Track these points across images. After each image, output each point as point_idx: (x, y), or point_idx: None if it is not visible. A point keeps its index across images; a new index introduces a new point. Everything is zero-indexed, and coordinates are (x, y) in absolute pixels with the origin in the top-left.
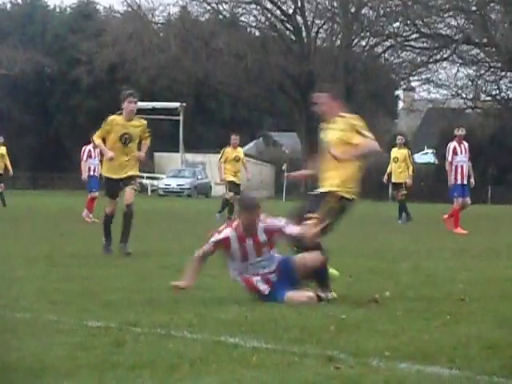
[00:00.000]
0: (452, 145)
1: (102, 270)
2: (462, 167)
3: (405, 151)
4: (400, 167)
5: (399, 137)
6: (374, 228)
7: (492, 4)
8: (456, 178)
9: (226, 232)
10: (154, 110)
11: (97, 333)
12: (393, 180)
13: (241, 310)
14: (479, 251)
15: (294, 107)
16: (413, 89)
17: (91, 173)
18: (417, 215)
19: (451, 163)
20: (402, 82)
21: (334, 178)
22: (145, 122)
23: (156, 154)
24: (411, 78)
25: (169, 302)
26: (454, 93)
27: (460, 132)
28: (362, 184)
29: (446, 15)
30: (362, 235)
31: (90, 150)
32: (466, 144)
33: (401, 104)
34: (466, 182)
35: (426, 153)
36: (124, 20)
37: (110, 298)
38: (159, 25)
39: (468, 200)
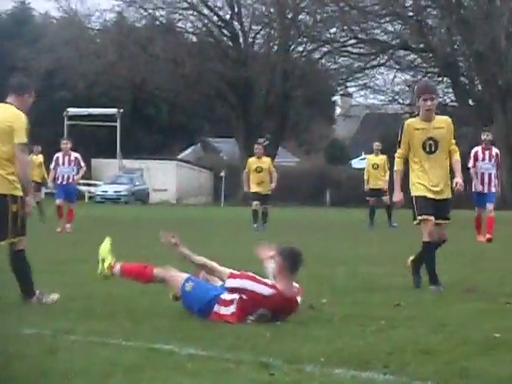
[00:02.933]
0: (474, 150)
1: (39, 277)
2: (482, 174)
3: (384, 157)
4: (380, 173)
5: (376, 143)
6: (316, 234)
7: (428, 9)
8: (476, 186)
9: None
10: (90, 116)
11: (30, 340)
12: (371, 186)
13: (176, 318)
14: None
15: (231, 113)
16: (350, 94)
17: (58, 181)
18: (354, 221)
19: (474, 169)
20: (339, 88)
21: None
22: None
23: (93, 161)
24: (348, 84)
25: (105, 309)
26: (391, 98)
27: (486, 137)
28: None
29: (382, 21)
30: (303, 241)
31: (57, 158)
32: (495, 150)
33: (338, 110)
34: (486, 190)
35: (364, 158)
36: (60, 26)
37: (44, 305)
38: (96, 31)
39: (488, 208)
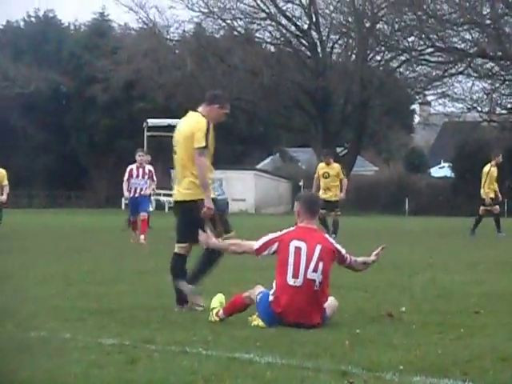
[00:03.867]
0: None
1: (118, 288)
2: None
3: (337, 166)
4: (334, 182)
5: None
6: (390, 241)
7: (506, 17)
8: None
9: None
10: (170, 127)
11: (111, 350)
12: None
13: (256, 327)
14: (494, 264)
15: (310, 122)
16: (428, 103)
17: (131, 194)
18: (433, 229)
19: None
20: (417, 96)
21: None
22: None
23: (173, 171)
24: (426, 92)
25: (184, 319)
26: (469, 106)
27: None
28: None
29: (460, 29)
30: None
31: (131, 169)
32: None
33: (417, 118)
34: None
35: (443, 167)
36: (139, 37)
37: (126, 315)
38: (174, 42)
39: None
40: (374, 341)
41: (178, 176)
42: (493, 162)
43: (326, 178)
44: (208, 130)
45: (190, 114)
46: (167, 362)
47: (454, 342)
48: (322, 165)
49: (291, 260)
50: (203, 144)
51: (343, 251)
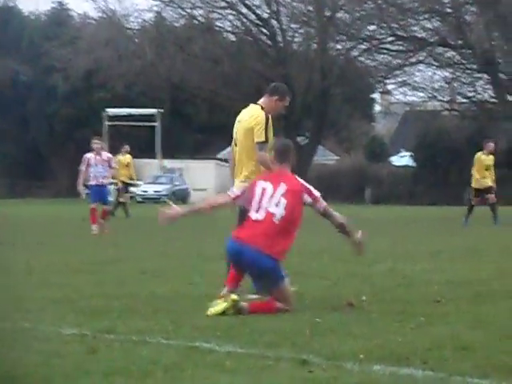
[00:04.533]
0: None
1: (80, 277)
2: None
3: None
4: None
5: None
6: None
7: (467, 6)
8: None
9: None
10: (130, 117)
11: (71, 340)
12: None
13: (217, 316)
14: (455, 253)
15: None
16: (389, 92)
17: (93, 181)
18: (394, 218)
19: None
20: (378, 85)
21: None
22: None
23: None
24: (387, 81)
25: (145, 308)
26: (430, 95)
27: None
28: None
29: (421, 18)
30: (341, 238)
31: (89, 158)
32: None
33: (377, 107)
34: None
35: (404, 155)
36: (98, 26)
37: (86, 304)
38: (134, 31)
39: None
40: (334, 330)
41: (237, 167)
42: (484, 151)
43: None
44: (267, 123)
45: (251, 106)
46: (127, 351)
47: (415, 330)
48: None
49: (256, 198)
50: (263, 138)
51: (315, 192)
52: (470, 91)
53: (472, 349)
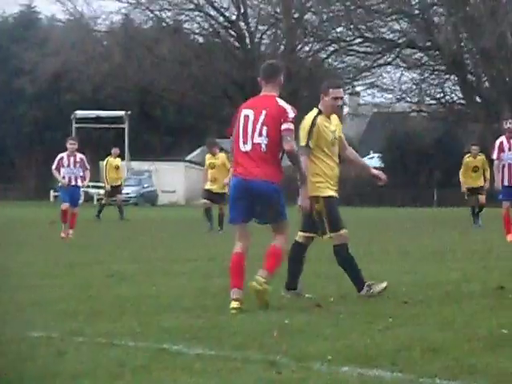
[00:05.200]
0: (499, 140)
1: (47, 280)
2: (509, 166)
3: (223, 156)
4: (220, 172)
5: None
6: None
7: (435, 7)
8: (502, 179)
9: None
10: (98, 119)
11: (38, 343)
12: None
13: (185, 318)
14: (424, 254)
15: None
16: (357, 93)
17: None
18: (363, 219)
19: (499, 161)
20: (346, 87)
21: None
22: None
23: (101, 163)
24: (355, 83)
25: (113, 310)
26: (398, 97)
27: (509, 125)
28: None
29: (389, 19)
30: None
31: (62, 158)
32: None
33: (346, 109)
34: None
35: (372, 157)
36: (67, 29)
37: (53, 307)
38: (102, 33)
39: None
40: (302, 331)
41: None
42: (470, 154)
43: (213, 168)
44: (312, 126)
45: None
46: (95, 354)
47: (383, 331)
48: (208, 155)
49: (241, 127)
50: (303, 143)
51: (291, 115)
52: (438, 92)
53: (441, 350)
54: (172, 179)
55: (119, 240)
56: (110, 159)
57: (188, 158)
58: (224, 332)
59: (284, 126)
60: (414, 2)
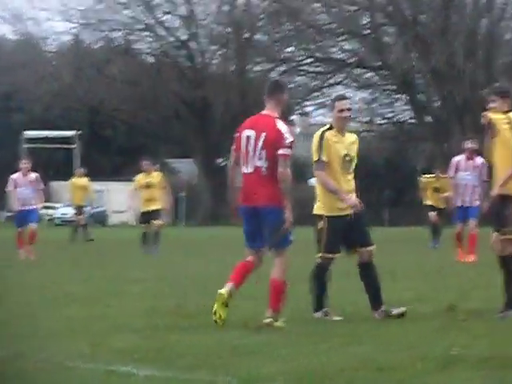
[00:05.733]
0: (457, 159)
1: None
2: (464, 186)
3: (159, 175)
4: (157, 191)
5: (145, 162)
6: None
7: (385, 27)
8: (456, 199)
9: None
10: (48, 139)
11: None
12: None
13: (135, 338)
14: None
15: (189, 133)
16: (308, 113)
17: (18, 206)
18: (312, 238)
19: (454, 180)
20: (296, 107)
21: None
22: None
23: (52, 184)
24: (306, 103)
25: (62, 331)
26: None
27: (469, 145)
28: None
29: (339, 39)
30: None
31: (16, 179)
32: (479, 160)
33: (297, 128)
34: (468, 204)
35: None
36: (16, 49)
37: (3, 328)
38: (52, 53)
39: (470, 225)
40: (253, 351)
41: None
42: (434, 174)
43: (149, 187)
44: (321, 139)
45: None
46: (44, 375)
47: (334, 351)
48: (141, 175)
49: (243, 149)
50: (315, 158)
51: (288, 140)
52: (388, 112)
53: (391, 370)
54: (122, 199)
55: (70, 261)
56: (74, 179)
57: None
58: (174, 353)
59: (280, 152)
60: (364, 22)
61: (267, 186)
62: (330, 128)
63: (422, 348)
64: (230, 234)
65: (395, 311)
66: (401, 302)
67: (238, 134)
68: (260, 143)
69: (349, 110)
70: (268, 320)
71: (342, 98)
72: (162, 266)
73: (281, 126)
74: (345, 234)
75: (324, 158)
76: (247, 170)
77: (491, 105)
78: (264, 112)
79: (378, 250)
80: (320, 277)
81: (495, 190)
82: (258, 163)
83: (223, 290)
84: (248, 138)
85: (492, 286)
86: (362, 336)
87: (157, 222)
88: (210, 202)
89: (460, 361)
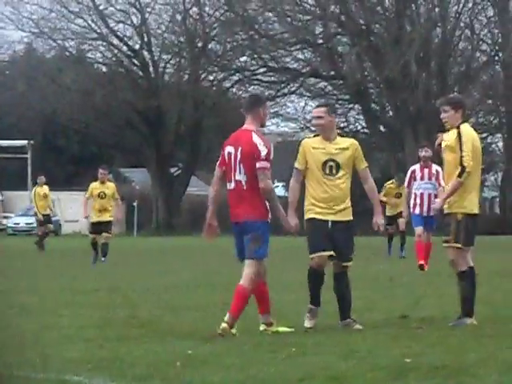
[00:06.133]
0: (412, 168)
1: None
2: (421, 195)
3: (113, 186)
4: (110, 202)
5: (102, 170)
6: (226, 262)
7: (338, 36)
8: (414, 207)
9: None
10: (1, 149)
11: None
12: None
13: (87, 348)
14: (326, 283)
15: (143, 142)
16: None
17: None
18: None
19: (408, 189)
20: None
21: None
22: None
23: (4, 193)
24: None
25: (13, 342)
26: (302, 126)
27: (424, 153)
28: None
29: (292, 49)
30: (212, 268)
31: None
32: (435, 167)
33: None
34: (425, 214)
35: (277, 186)
36: None
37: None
38: (4, 62)
39: (427, 235)
40: (206, 361)
41: None
42: (394, 181)
43: (102, 198)
44: (298, 148)
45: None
46: None
47: (286, 360)
48: (95, 184)
49: (227, 165)
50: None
51: (263, 153)
52: (342, 122)
53: (343, 379)
54: (75, 209)
55: (21, 271)
56: (38, 188)
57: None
58: (126, 363)
59: (257, 165)
60: (317, 32)
61: (247, 200)
62: (317, 135)
63: (375, 357)
64: (183, 244)
65: (356, 326)
66: (352, 310)
67: (222, 152)
68: (238, 157)
69: (318, 117)
70: (224, 325)
71: (316, 106)
72: (115, 276)
73: (256, 139)
74: (329, 237)
75: (298, 166)
76: (230, 186)
77: (443, 115)
78: (243, 127)
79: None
80: (310, 281)
81: (439, 203)
82: (238, 177)
83: (224, 325)
84: (229, 154)
85: (444, 295)
86: (313, 346)
87: (106, 234)
88: (162, 211)
89: (413, 369)
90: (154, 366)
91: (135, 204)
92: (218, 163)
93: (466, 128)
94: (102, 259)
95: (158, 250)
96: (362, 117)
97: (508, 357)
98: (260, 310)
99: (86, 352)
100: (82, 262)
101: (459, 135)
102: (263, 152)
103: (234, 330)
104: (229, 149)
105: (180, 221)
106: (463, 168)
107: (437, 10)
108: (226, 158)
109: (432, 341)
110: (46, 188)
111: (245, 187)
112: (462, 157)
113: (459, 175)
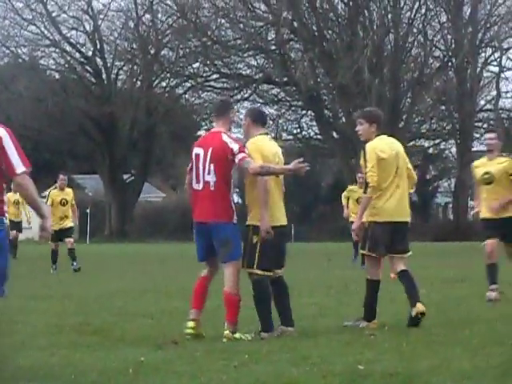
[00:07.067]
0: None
1: None
2: None
3: (71, 191)
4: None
5: (63, 176)
6: (176, 268)
7: (291, 43)
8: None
9: None
10: None
11: None
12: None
13: (40, 355)
14: (292, 289)
15: (96, 149)
16: None
17: None
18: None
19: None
20: (203, 123)
21: None
22: None
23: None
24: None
25: None
26: None
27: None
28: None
29: (245, 55)
30: (166, 275)
31: None
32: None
33: None
34: None
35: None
36: None
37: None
38: None
39: None
40: (158, 368)
41: None
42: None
43: (64, 205)
44: None
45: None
46: None
47: (239, 368)
48: (55, 192)
49: (194, 166)
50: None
51: (235, 147)
52: (295, 128)
53: None
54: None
55: None
56: (9, 194)
57: (44, 194)
58: (79, 370)
59: (236, 160)
60: (270, 38)
61: (215, 201)
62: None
63: (328, 363)
64: (136, 251)
65: (289, 331)
66: (305, 316)
67: (190, 154)
68: (208, 158)
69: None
70: (226, 332)
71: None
72: (67, 283)
73: (226, 138)
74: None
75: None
76: (198, 186)
77: (358, 127)
78: (213, 129)
79: (311, 265)
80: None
81: (355, 224)
82: (207, 178)
83: (190, 324)
84: (197, 155)
85: (397, 301)
86: (266, 353)
87: (69, 239)
88: (115, 218)
89: (366, 376)
90: (106, 374)
91: (88, 211)
92: (187, 169)
93: (372, 143)
94: (74, 263)
95: (110, 257)
96: (314, 123)
97: (460, 365)
98: (227, 316)
99: (38, 359)
100: (35, 268)
101: (364, 153)
102: (235, 147)
103: (237, 335)
104: (197, 150)
105: (133, 227)
106: (366, 184)
107: (389, 16)
108: (194, 159)
109: (385, 347)
110: (18, 195)
111: (213, 188)
112: (365, 173)
113: (364, 191)
